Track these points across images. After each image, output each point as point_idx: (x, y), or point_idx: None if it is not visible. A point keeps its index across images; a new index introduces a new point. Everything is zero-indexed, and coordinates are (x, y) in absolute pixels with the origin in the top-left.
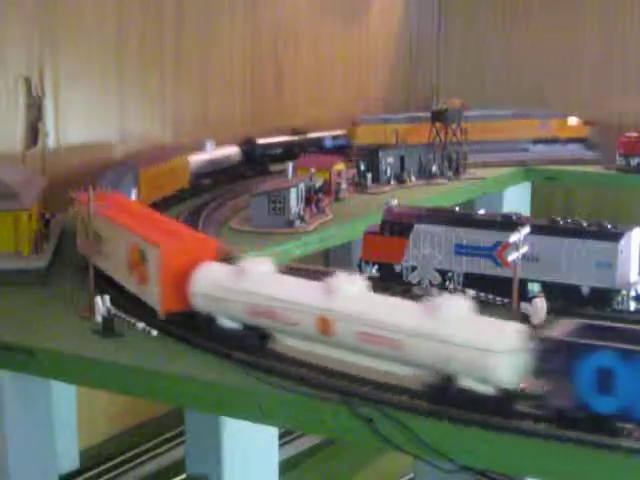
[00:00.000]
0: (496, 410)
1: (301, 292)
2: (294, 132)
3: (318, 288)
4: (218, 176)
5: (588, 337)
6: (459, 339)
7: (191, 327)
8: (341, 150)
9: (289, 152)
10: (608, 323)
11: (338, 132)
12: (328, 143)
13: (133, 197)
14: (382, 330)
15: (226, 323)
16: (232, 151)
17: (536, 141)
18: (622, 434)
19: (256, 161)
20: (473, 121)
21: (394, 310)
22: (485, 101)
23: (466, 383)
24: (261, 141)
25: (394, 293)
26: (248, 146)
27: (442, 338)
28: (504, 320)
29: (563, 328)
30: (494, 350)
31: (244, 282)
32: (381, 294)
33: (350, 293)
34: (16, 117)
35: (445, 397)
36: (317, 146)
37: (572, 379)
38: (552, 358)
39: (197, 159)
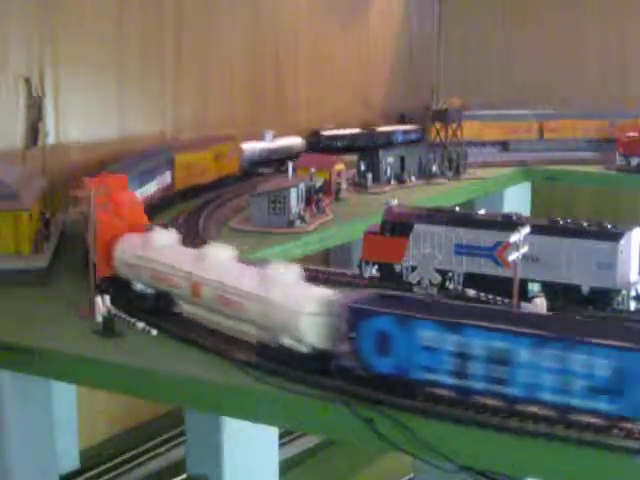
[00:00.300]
0: (308, 367)
1: (183, 259)
2: (363, 126)
3: (195, 256)
4: (276, 164)
5: (376, 304)
6: (278, 302)
7: (115, 291)
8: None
9: (354, 145)
10: (406, 294)
11: (410, 127)
12: (399, 137)
13: (168, 180)
14: (231, 294)
15: (139, 287)
16: (294, 141)
17: (609, 140)
18: (401, 393)
19: (320, 152)
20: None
21: (241, 277)
22: (485, 101)
23: (286, 341)
24: (326, 133)
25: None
26: (313, 137)
27: (267, 301)
28: (317, 287)
29: (358, 295)
30: (299, 312)
31: (148, 251)
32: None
33: (215, 261)
34: (16, 117)
35: (268, 354)
36: (387, 140)
37: (357, 341)
38: (342, 321)
39: (252, 147)
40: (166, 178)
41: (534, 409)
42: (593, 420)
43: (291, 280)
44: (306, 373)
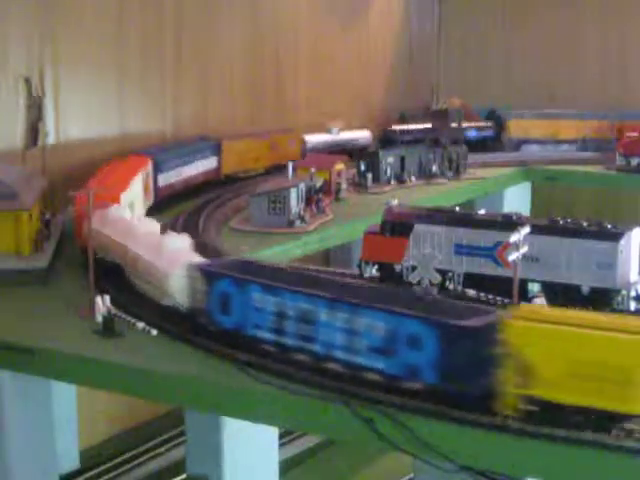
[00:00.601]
0: (183, 324)
1: (120, 232)
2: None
3: (128, 228)
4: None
5: (226, 269)
6: (159, 267)
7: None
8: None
9: (425, 139)
10: (270, 264)
11: (484, 124)
12: (472, 134)
13: (214, 164)
14: (138, 260)
15: (99, 255)
16: (361, 135)
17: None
18: (239, 347)
19: (391, 144)
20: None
21: (146, 245)
22: (485, 101)
23: (165, 301)
24: (396, 127)
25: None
26: (385, 131)
27: (152, 265)
28: (197, 255)
29: (223, 261)
30: (169, 274)
31: (103, 225)
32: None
33: (138, 233)
34: (16, 117)
35: (157, 312)
36: (459, 136)
37: (209, 300)
38: (199, 282)
39: (316, 139)
40: (211, 162)
41: (333, 366)
42: (376, 378)
43: (178, 248)
44: (183, 330)
